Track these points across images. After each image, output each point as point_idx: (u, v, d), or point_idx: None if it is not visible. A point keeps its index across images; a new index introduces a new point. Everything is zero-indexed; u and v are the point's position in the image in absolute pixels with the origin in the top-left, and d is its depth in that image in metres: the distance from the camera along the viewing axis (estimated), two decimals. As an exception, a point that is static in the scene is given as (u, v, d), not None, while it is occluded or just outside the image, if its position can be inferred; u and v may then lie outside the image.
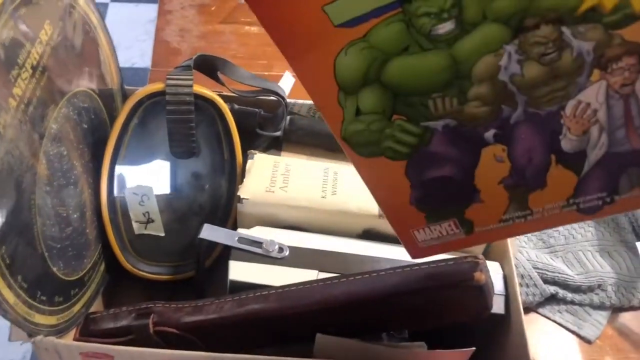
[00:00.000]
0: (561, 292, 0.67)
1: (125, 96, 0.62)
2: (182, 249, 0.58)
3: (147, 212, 0.57)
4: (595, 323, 0.66)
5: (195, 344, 0.49)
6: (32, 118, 0.44)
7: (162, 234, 0.58)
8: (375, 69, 0.32)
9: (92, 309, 0.53)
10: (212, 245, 0.56)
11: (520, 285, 0.65)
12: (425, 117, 0.34)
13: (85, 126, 0.54)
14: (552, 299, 0.67)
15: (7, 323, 1.37)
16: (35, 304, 0.43)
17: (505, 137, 0.34)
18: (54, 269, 0.47)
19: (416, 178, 0.37)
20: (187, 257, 0.58)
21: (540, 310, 0.67)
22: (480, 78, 0.32)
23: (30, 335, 0.44)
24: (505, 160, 0.35)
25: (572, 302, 0.67)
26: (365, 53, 0.32)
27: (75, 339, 0.50)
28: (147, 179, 0.57)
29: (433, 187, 0.37)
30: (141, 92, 0.56)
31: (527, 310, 0.66)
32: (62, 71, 0.49)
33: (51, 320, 0.46)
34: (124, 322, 0.51)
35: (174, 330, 0.49)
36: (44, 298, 0.45)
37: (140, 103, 0.56)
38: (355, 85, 0.33)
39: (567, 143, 0.34)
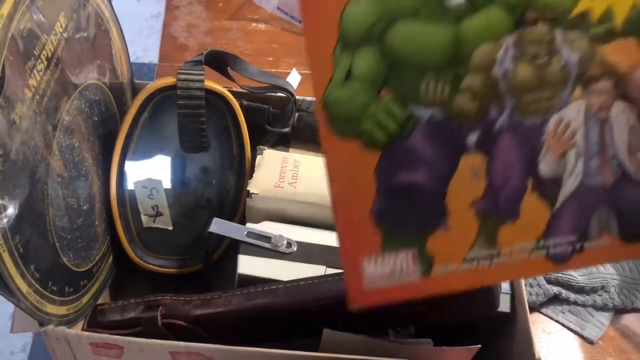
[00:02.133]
0: (564, 293, 0.67)
1: (135, 90, 0.62)
2: (190, 242, 0.59)
3: (156, 206, 0.57)
4: (598, 324, 0.67)
5: (202, 336, 0.49)
6: (46, 109, 0.44)
7: (170, 228, 0.58)
8: (382, 26, 0.31)
9: (99, 301, 0.54)
10: (220, 239, 0.57)
11: (525, 285, 0.65)
12: (414, 99, 0.32)
13: (96, 119, 0.54)
14: (556, 299, 0.68)
15: (8, 314, 1.37)
16: (47, 293, 0.44)
17: (487, 145, 0.33)
18: (65, 260, 0.47)
19: (385, 179, 0.33)
20: (195, 251, 0.58)
21: (544, 310, 0.67)
22: (476, 66, 0.32)
23: (42, 324, 0.44)
24: (481, 176, 0.33)
25: (575, 303, 0.68)
26: (378, 5, 0.31)
27: (83, 330, 0.50)
28: (156, 172, 0.57)
29: (400, 197, 0.33)
30: (152, 86, 0.56)
31: (531, 310, 0.66)
32: (75, 63, 0.50)
33: (61, 310, 0.46)
34: (132, 314, 0.51)
35: (182, 323, 0.49)
36: (54, 288, 0.45)
37: (151, 97, 0.56)
38: (357, 39, 0.31)
39: (545, 166, 0.33)
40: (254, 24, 0.93)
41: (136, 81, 0.63)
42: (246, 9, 0.95)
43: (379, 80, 0.32)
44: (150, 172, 0.57)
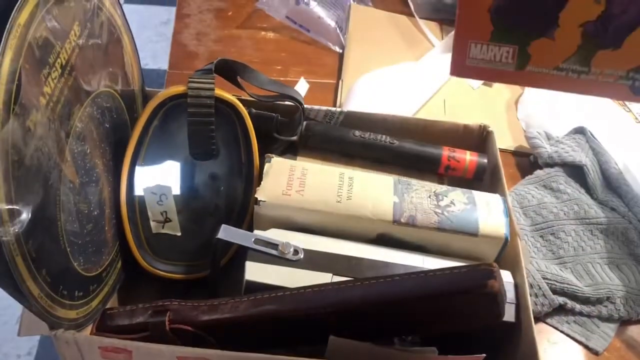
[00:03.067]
0: (570, 303, 0.67)
1: (145, 97, 0.63)
2: (198, 248, 0.59)
3: (165, 212, 0.58)
4: (603, 335, 0.67)
5: (209, 342, 0.50)
6: (59, 116, 0.45)
7: (179, 234, 0.59)
8: None
9: (108, 306, 0.54)
10: (228, 245, 0.57)
11: (530, 295, 0.65)
12: None
13: (108, 125, 0.55)
14: (561, 310, 0.68)
15: (14, 318, 1.38)
16: (58, 297, 0.44)
17: None
18: (75, 264, 0.48)
19: None
20: (202, 257, 0.59)
21: (549, 320, 0.67)
22: None
23: (52, 328, 0.44)
24: (602, 2, 0.36)
25: (581, 314, 0.68)
26: None
27: (91, 334, 0.51)
28: (165, 179, 0.58)
29: (522, 4, 0.36)
30: (163, 94, 0.57)
31: (536, 320, 0.67)
32: (88, 71, 0.50)
33: (71, 314, 0.47)
34: (140, 319, 0.52)
35: (190, 328, 0.50)
36: (65, 292, 0.46)
37: (162, 105, 0.57)
38: None
39: None
40: (263, 33, 0.94)
41: (147, 88, 0.64)
42: (255, 17, 0.96)
43: None
44: (159, 178, 0.58)
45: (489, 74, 0.40)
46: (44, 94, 0.42)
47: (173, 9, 0.99)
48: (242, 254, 0.54)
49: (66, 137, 0.47)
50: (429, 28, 0.96)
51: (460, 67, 0.41)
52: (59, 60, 0.45)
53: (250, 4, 0.97)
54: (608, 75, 0.37)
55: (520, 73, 0.39)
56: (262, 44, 0.92)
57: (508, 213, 0.56)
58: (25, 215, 0.40)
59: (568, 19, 0.37)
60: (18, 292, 0.40)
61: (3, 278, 0.38)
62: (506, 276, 0.54)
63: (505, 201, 0.57)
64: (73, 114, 0.48)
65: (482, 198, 0.57)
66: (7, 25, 0.38)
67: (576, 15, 0.37)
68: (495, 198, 0.57)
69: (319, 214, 0.55)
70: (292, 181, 0.56)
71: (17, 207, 0.39)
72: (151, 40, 1.92)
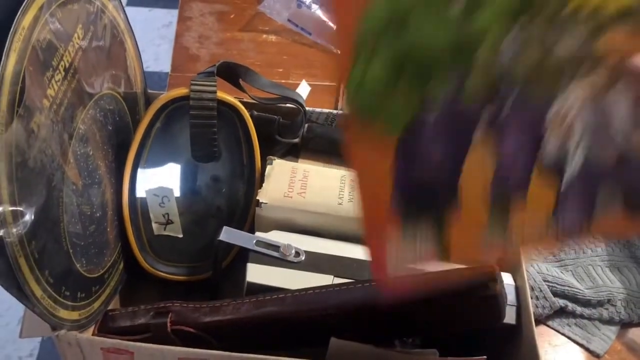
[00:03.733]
0: (570, 306, 0.67)
1: (148, 99, 0.64)
2: (199, 250, 0.60)
3: (167, 214, 0.58)
4: (604, 337, 0.67)
5: (211, 343, 0.50)
6: (63, 118, 0.45)
7: (181, 235, 0.59)
8: (398, 19, 0.32)
9: (110, 307, 0.55)
10: (229, 247, 0.57)
11: (530, 297, 0.66)
12: (430, 85, 0.33)
13: (110, 128, 0.55)
14: (562, 312, 0.68)
15: (16, 320, 1.38)
16: (60, 298, 0.45)
17: (495, 130, 0.34)
18: (77, 266, 0.48)
19: (403, 167, 0.34)
20: (204, 259, 0.59)
21: (550, 323, 0.68)
22: (484, 54, 0.33)
23: (54, 329, 0.45)
24: (492, 159, 0.34)
25: (582, 316, 0.68)
26: (393, 2, 0.32)
27: (93, 335, 0.51)
28: (167, 181, 0.58)
29: (417, 183, 0.34)
30: (165, 96, 0.58)
31: (537, 322, 0.67)
32: (91, 74, 0.51)
33: (73, 315, 0.47)
34: (141, 320, 0.52)
35: (192, 330, 0.50)
36: (67, 293, 0.46)
37: (164, 107, 0.57)
38: (378, 30, 0.32)
39: (550, 149, 0.34)
40: (264, 36, 0.94)
41: (149, 91, 0.64)
42: (257, 20, 0.96)
43: (397, 69, 0.33)
44: (161, 180, 0.58)
45: (416, 276, 0.36)
46: (47, 96, 0.43)
47: (175, 12, 0.99)
48: (243, 255, 0.54)
49: (69, 139, 0.47)
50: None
51: (386, 280, 0.36)
52: (62, 62, 0.45)
53: (252, 7, 0.97)
54: (531, 228, 0.35)
55: (447, 260, 0.36)
56: (264, 47, 0.93)
57: (509, 215, 0.56)
58: (28, 217, 0.40)
59: (469, 185, 0.35)
60: (21, 293, 0.40)
61: (6, 279, 0.39)
62: (507, 278, 0.54)
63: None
64: (76, 116, 0.48)
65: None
66: (12, 28, 0.38)
67: (475, 178, 0.34)
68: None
69: (320, 216, 0.55)
70: (293, 183, 0.56)
71: (21, 209, 0.39)
72: (153, 43, 1.92)
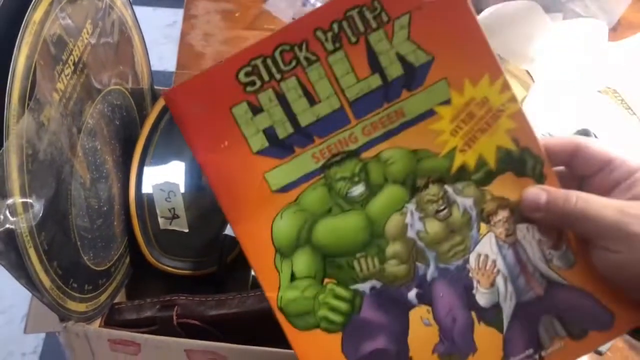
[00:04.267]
0: (573, 303, 0.68)
1: (155, 96, 0.64)
2: (205, 245, 0.60)
3: (173, 208, 0.59)
4: (606, 335, 0.67)
5: (216, 336, 0.50)
6: (72, 112, 0.46)
7: (186, 230, 0.59)
8: (306, 230, 0.36)
9: (116, 300, 0.55)
10: (235, 242, 0.58)
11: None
12: (353, 279, 0.37)
13: (118, 123, 0.56)
14: (564, 310, 0.68)
15: (19, 317, 1.38)
16: (68, 290, 0.45)
17: (427, 297, 0.37)
18: (85, 258, 0.49)
19: (353, 353, 0.37)
20: (209, 253, 0.60)
21: (552, 320, 0.68)
22: (393, 236, 0.37)
23: (62, 320, 0.45)
24: (432, 323, 0.37)
25: (584, 313, 0.68)
26: (298, 215, 0.36)
27: (100, 327, 0.52)
28: (174, 176, 0.59)
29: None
30: (171, 92, 0.58)
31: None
32: (99, 69, 0.51)
33: (81, 307, 0.48)
34: (148, 313, 0.53)
35: (197, 323, 0.51)
36: (75, 285, 0.46)
37: (170, 102, 0.58)
38: (290, 247, 0.36)
39: (481, 297, 0.37)
40: (269, 34, 0.95)
41: (156, 87, 0.65)
42: (262, 19, 0.97)
43: (319, 274, 0.37)
44: (168, 175, 0.59)
45: None
46: (57, 90, 0.43)
47: (180, 11, 1.00)
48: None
49: (78, 133, 0.47)
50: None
51: None
52: (71, 57, 0.46)
53: (257, 6, 0.98)
54: None
55: None
56: (269, 45, 0.93)
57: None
58: (38, 208, 0.40)
59: (420, 354, 0.37)
60: (30, 283, 0.41)
61: (17, 269, 0.39)
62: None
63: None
64: (84, 110, 0.49)
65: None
66: (23, 22, 0.39)
67: (423, 347, 0.37)
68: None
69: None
70: (298, 179, 0.57)
71: (31, 200, 0.40)
72: (158, 42, 1.93)
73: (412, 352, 0.37)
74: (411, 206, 0.36)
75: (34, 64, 0.39)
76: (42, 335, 1.33)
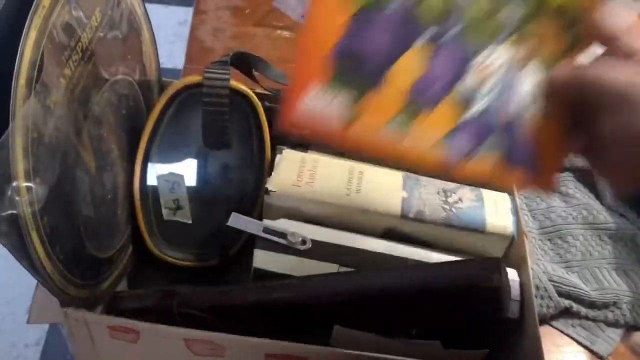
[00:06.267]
0: (575, 307, 0.67)
1: (162, 87, 0.64)
2: (208, 236, 0.60)
3: (177, 199, 0.59)
4: (608, 339, 0.67)
5: (217, 327, 0.50)
6: (78, 99, 0.46)
7: (190, 221, 0.60)
8: None
9: (117, 289, 0.55)
10: (238, 234, 0.58)
11: (535, 296, 0.66)
12: None
13: (124, 112, 0.56)
14: (566, 313, 0.68)
15: (22, 309, 1.38)
16: (70, 276, 0.45)
17: (434, 47, 0.38)
18: (88, 245, 0.49)
19: (355, 28, 0.38)
20: (212, 245, 0.60)
21: (554, 323, 0.68)
22: None
23: (63, 305, 0.45)
24: (421, 67, 0.39)
25: (586, 317, 0.68)
26: None
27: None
28: (179, 167, 0.59)
29: (360, 48, 0.38)
30: (179, 83, 0.58)
31: (541, 322, 0.67)
32: (107, 58, 0.52)
33: (82, 294, 0.48)
34: (149, 302, 0.53)
35: (198, 313, 0.51)
36: (76, 272, 0.47)
37: (177, 94, 0.58)
38: None
39: (466, 83, 0.39)
40: (278, 31, 0.95)
41: (163, 79, 0.65)
42: (272, 16, 0.97)
43: None
44: (173, 166, 0.59)
45: (319, 127, 0.39)
46: (64, 75, 0.44)
47: (191, 10, 1.00)
48: (252, 244, 0.55)
49: (84, 119, 0.48)
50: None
51: (292, 115, 0.39)
52: (79, 44, 0.46)
53: (267, 3, 0.98)
54: (426, 139, 0.40)
55: (349, 130, 0.39)
56: (278, 43, 0.94)
57: (516, 211, 0.56)
58: (42, 192, 0.41)
59: (395, 77, 0.39)
60: (32, 267, 0.41)
61: (19, 251, 0.39)
62: (512, 274, 0.54)
63: (513, 200, 0.57)
64: (91, 97, 0.49)
65: (491, 196, 0.57)
66: (32, 6, 0.39)
67: (401, 74, 0.39)
68: (503, 197, 0.58)
69: (327, 207, 0.56)
70: (302, 173, 0.57)
71: (34, 184, 0.40)
72: (167, 40, 1.94)
73: (391, 72, 0.38)
74: None
75: (42, 48, 0.40)
76: (45, 327, 1.34)
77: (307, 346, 0.46)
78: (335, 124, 0.39)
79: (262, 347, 0.46)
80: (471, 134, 0.40)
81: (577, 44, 0.39)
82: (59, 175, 0.43)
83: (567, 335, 0.67)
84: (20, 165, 0.38)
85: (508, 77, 0.39)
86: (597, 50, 0.39)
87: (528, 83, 0.39)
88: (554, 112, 0.39)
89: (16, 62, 0.37)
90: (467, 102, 0.39)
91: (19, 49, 0.37)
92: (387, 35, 0.38)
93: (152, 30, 0.62)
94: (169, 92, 0.58)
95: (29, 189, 0.39)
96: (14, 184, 0.38)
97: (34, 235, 0.40)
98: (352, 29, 0.38)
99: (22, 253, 0.39)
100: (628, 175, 0.38)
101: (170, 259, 0.59)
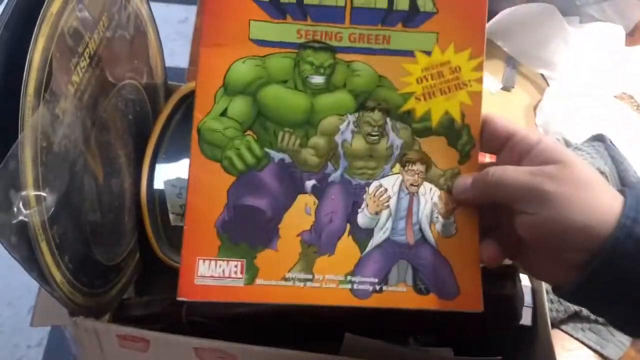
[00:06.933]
0: (585, 311, 0.67)
1: (168, 91, 0.64)
2: (215, 242, 0.60)
3: (184, 205, 0.58)
4: (619, 344, 0.66)
5: (225, 335, 0.50)
6: (86, 106, 0.46)
7: (197, 227, 0.59)
8: (257, 85, 0.41)
9: (125, 296, 0.55)
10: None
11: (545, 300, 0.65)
12: (270, 144, 0.41)
13: (131, 117, 0.55)
14: (576, 317, 0.67)
15: (25, 309, 1.38)
16: (78, 285, 0.45)
17: (320, 192, 0.41)
18: (95, 253, 0.48)
19: (235, 199, 0.40)
20: (220, 251, 0.59)
21: (564, 327, 0.67)
22: (322, 131, 0.41)
23: (72, 314, 0.45)
24: (312, 213, 0.40)
25: (596, 321, 0.67)
26: (258, 69, 0.40)
27: (109, 323, 0.51)
28: (186, 172, 0.58)
29: (243, 216, 0.40)
30: (185, 88, 0.58)
31: (551, 326, 0.66)
32: (114, 62, 0.51)
33: (90, 302, 0.47)
34: (156, 310, 0.52)
35: (206, 320, 0.50)
36: (85, 280, 0.46)
37: (184, 99, 0.57)
38: (236, 89, 0.40)
39: (362, 218, 0.41)
40: None
41: (169, 82, 0.65)
42: (276, 16, 0.96)
43: (246, 123, 0.41)
44: (180, 171, 0.58)
45: (219, 292, 0.40)
46: (72, 82, 0.43)
47: (192, 8, 0.99)
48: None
49: (92, 126, 0.47)
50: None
51: (190, 287, 0.40)
52: (87, 50, 0.45)
53: (271, 3, 0.97)
54: (330, 281, 0.40)
55: (251, 288, 0.40)
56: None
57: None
58: (51, 201, 0.40)
59: (286, 231, 0.40)
60: (42, 277, 0.40)
61: (28, 262, 0.39)
62: (524, 280, 0.54)
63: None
64: (99, 104, 0.48)
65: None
66: (41, 13, 0.38)
67: (292, 227, 0.40)
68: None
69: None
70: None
71: (44, 193, 0.39)
72: (169, 39, 1.93)
73: (281, 225, 0.40)
74: (351, 118, 0.41)
75: (50, 55, 0.39)
76: (48, 328, 1.33)
77: (319, 355, 0.45)
78: (236, 284, 0.40)
79: (274, 357, 0.46)
80: (376, 263, 0.40)
81: (467, 156, 0.41)
82: (68, 184, 0.43)
83: (577, 339, 0.67)
84: (29, 175, 0.38)
85: (405, 199, 0.41)
86: (485, 159, 0.42)
87: (426, 203, 0.41)
88: (464, 226, 0.40)
89: (25, 71, 0.36)
90: (367, 233, 0.41)
91: (27, 57, 0.37)
92: (272, 189, 0.40)
93: (157, 32, 0.61)
94: (175, 97, 0.57)
95: (38, 199, 0.39)
96: (23, 194, 0.37)
97: (44, 246, 0.40)
98: (235, 195, 0.40)
99: (32, 264, 0.39)
100: (556, 270, 0.38)
101: (177, 265, 0.58)
